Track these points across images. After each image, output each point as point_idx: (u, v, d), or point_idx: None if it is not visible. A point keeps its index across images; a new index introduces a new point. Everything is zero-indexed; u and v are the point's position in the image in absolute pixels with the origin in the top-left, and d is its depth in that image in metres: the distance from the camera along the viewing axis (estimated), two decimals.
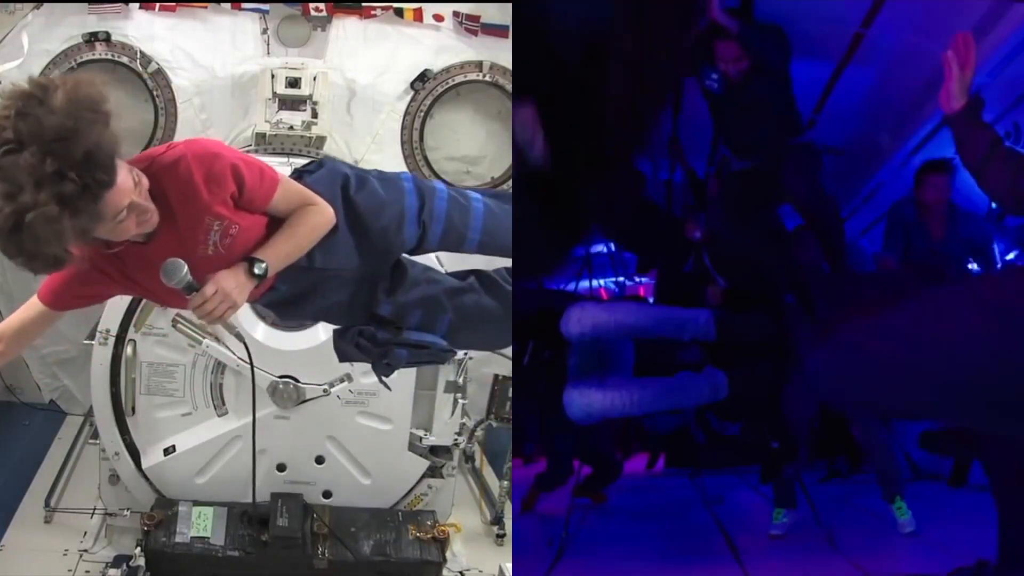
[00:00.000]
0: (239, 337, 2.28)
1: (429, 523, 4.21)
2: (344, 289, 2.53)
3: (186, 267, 2.14)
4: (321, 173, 2.49)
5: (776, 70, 4.18)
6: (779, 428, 4.23)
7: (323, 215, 2.38)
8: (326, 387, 4.12)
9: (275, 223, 2.34)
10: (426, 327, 2.57)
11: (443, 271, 2.72)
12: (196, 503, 4.09)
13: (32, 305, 2.36)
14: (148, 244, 2.20)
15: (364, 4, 5.44)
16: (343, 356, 2.66)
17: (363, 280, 2.54)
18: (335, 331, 2.65)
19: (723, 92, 4.31)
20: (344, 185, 2.47)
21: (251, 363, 2.30)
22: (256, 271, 2.24)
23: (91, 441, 4.67)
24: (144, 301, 4.00)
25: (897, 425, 4.81)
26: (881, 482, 4.31)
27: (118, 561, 4.08)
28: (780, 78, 4.22)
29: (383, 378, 2.68)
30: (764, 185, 4.47)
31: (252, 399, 2.58)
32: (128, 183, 2.02)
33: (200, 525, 4.01)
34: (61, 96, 1.91)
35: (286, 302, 2.51)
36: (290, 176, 2.44)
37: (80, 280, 2.28)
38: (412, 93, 5.49)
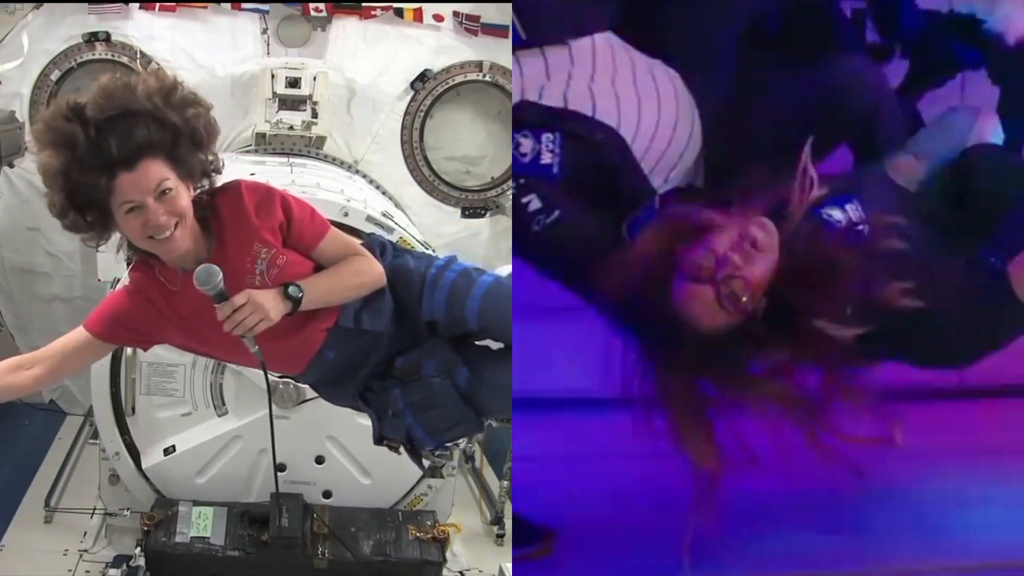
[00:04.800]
0: (259, 355, 2.22)
1: (429, 523, 4.20)
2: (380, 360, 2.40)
3: (221, 274, 2.07)
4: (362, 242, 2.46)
5: None
6: None
7: (372, 266, 2.31)
8: None
9: None
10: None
11: None
12: (196, 503, 4.09)
13: (77, 331, 2.25)
14: None
15: (364, 4, 5.45)
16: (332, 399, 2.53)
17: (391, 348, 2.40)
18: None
19: None
20: (381, 250, 2.42)
21: (264, 365, 2.26)
22: (290, 292, 2.16)
23: (91, 441, 4.68)
24: None
25: None
26: None
27: (118, 561, 4.07)
28: None
29: (390, 444, 2.46)
30: None
31: (268, 398, 2.54)
32: (148, 183, 2.00)
33: (200, 525, 4.01)
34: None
35: (333, 377, 2.40)
36: None
37: (131, 312, 2.21)
38: (412, 93, 5.50)
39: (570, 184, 2.63)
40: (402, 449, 2.48)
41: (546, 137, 2.61)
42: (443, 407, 2.33)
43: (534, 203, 2.58)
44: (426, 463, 2.64)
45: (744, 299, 2.29)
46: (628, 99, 2.69)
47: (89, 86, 2.05)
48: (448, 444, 2.51)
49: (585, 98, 2.66)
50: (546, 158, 2.61)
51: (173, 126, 2.03)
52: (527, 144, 2.62)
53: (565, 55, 2.67)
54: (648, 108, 2.70)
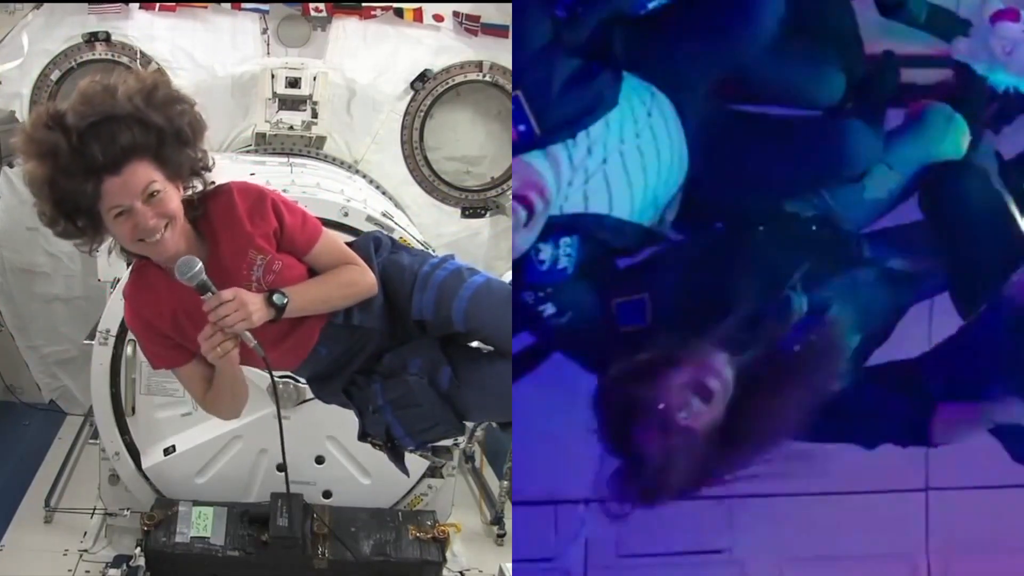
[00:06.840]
0: (259, 349, 2.21)
1: (429, 523, 4.20)
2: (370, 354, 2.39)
3: (200, 263, 2.05)
4: (359, 238, 2.47)
5: None
6: None
7: (363, 276, 2.30)
8: None
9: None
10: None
11: None
12: (196, 503, 4.09)
13: (177, 372, 2.27)
14: None
15: (364, 4, 5.45)
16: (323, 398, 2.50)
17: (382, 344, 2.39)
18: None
19: None
20: (377, 246, 2.41)
21: (268, 364, 2.26)
22: (275, 300, 2.14)
23: (91, 441, 4.67)
24: None
25: None
26: None
27: (118, 561, 4.07)
28: None
29: (372, 441, 2.46)
30: None
31: (275, 397, 2.54)
32: (136, 186, 1.98)
33: (200, 525, 4.01)
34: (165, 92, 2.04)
35: (326, 372, 2.39)
36: None
37: (149, 325, 2.21)
38: (412, 93, 5.50)
39: (582, 278, 2.70)
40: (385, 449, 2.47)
41: (564, 242, 2.64)
42: (419, 406, 2.31)
43: (548, 309, 2.69)
44: (410, 463, 2.62)
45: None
46: (634, 168, 2.67)
47: None
48: (430, 445, 2.48)
49: (602, 192, 2.64)
50: (563, 263, 2.65)
51: (157, 127, 2.00)
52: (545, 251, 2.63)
53: (579, 149, 2.63)
54: (651, 164, 2.69)
